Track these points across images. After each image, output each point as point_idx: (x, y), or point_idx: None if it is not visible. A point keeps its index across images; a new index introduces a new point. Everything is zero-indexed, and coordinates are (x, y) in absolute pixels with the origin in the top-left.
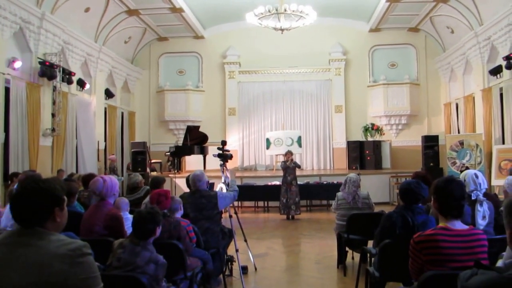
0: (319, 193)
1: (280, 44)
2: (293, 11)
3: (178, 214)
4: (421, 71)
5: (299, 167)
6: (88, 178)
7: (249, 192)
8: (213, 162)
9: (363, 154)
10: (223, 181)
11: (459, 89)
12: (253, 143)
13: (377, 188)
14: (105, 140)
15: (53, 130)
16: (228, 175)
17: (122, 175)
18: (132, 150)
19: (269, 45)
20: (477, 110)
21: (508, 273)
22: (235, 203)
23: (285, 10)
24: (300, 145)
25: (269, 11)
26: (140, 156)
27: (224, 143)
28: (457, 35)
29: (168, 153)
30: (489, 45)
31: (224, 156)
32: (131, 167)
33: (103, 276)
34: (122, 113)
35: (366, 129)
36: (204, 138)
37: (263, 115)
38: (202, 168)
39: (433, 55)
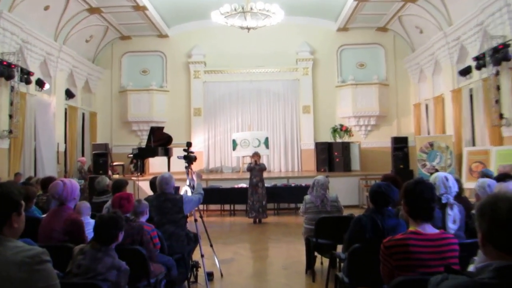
0: (286, 196)
1: (246, 44)
2: (260, 10)
3: (143, 218)
4: (390, 71)
5: (264, 169)
6: (47, 182)
7: (215, 195)
8: (178, 164)
9: (332, 155)
10: (188, 183)
11: (429, 90)
12: (219, 145)
13: (346, 191)
14: (65, 142)
15: (10, 132)
16: (194, 177)
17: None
18: (94, 152)
19: (235, 44)
20: (447, 111)
21: (479, 277)
22: (201, 207)
23: (251, 8)
24: (267, 147)
25: (235, 9)
26: (101, 159)
27: (189, 144)
28: (426, 35)
29: (131, 155)
30: (458, 45)
31: (189, 158)
32: (92, 169)
33: (62, 284)
34: (83, 114)
35: (334, 130)
36: (168, 139)
37: (230, 116)
38: (167, 170)
39: (402, 55)
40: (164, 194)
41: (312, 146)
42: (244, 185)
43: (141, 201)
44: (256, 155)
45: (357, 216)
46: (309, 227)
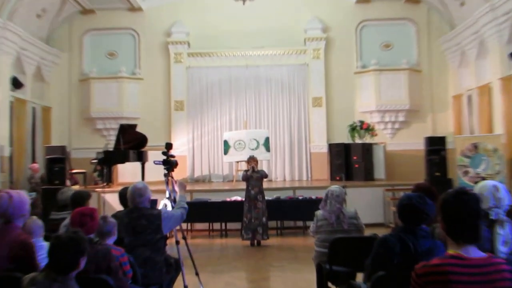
0: (293, 211)
1: (241, 19)
2: None
3: (111, 240)
4: (423, 54)
5: (265, 177)
6: None
7: (202, 211)
8: (155, 172)
9: (350, 160)
10: (167, 196)
11: (472, 78)
12: (207, 147)
13: (368, 205)
14: (11, 145)
15: None
16: (176, 188)
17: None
18: (47, 157)
19: (227, 19)
20: (495, 104)
21: None
22: (184, 225)
23: None
24: (268, 149)
25: None
26: (57, 165)
27: (169, 146)
28: (469, 8)
29: (95, 161)
30: (509, 21)
31: (169, 164)
32: (45, 179)
33: None
34: (34, 109)
35: (353, 129)
36: (142, 140)
37: (220, 111)
38: (140, 179)
39: (438, 33)
40: (138, 209)
41: (325, 149)
42: (238, 198)
43: (107, 219)
44: (253, 160)
45: (382, 237)
46: (322, 251)
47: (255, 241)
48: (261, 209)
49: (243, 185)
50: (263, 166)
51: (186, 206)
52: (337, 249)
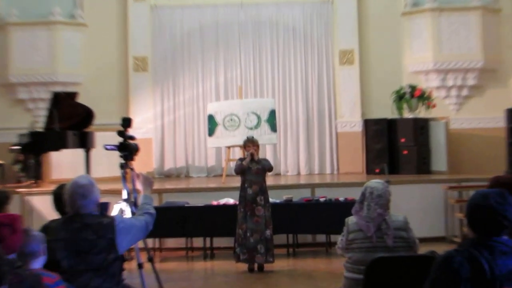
0: (311, 220)
1: None
2: None
3: (37, 263)
4: None
5: (270, 169)
6: None
7: (176, 221)
8: (106, 163)
9: (396, 144)
10: (125, 197)
11: None
12: (183, 126)
13: (422, 210)
14: None
15: None
16: (138, 186)
17: None
18: None
19: None
20: None
21: None
22: (149, 241)
23: None
24: (273, 128)
25: None
26: None
27: (127, 123)
28: None
29: (17, 148)
30: None
31: (128, 149)
32: None
33: None
34: None
35: (400, 97)
36: (86, 116)
37: (202, 71)
38: (84, 174)
39: None
40: (80, 217)
41: (358, 127)
42: (230, 200)
43: (29, 232)
44: (252, 144)
45: (444, 255)
46: (355, 277)
47: (255, 265)
48: (263, 217)
49: (235, 182)
50: (266, 153)
51: (153, 211)
52: (378, 275)
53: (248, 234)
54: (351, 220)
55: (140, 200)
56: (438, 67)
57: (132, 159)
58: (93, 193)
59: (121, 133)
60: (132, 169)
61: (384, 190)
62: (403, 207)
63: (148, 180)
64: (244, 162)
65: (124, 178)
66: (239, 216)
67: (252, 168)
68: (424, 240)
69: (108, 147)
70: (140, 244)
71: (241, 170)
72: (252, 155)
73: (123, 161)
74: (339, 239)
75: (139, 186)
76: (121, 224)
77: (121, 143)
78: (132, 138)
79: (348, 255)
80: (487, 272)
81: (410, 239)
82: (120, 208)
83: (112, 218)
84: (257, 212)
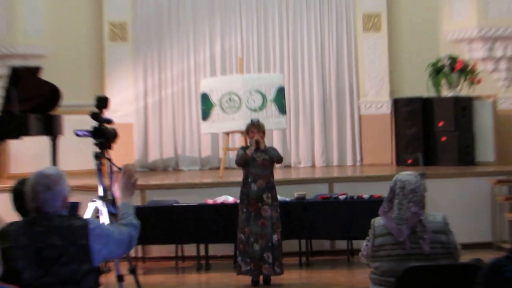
0: (329, 223)
1: None
2: None
3: None
4: None
5: (279, 160)
6: None
7: (163, 224)
8: (77, 154)
9: (432, 129)
10: (101, 194)
11: None
12: (171, 107)
13: (465, 210)
14: None
15: None
16: (116, 191)
17: None
18: None
19: None
20: None
21: None
22: (132, 250)
23: None
24: (282, 110)
25: None
26: None
27: (103, 103)
28: None
29: None
30: None
31: (104, 134)
32: None
33: None
34: None
35: (437, 71)
36: (52, 96)
37: (194, 41)
38: (51, 166)
39: None
40: (45, 218)
41: (387, 108)
42: (230, 199)
43: None
44: (256, 129)
45: (493, 262)
46: None
47: (261, 277)
48: (270, 218)
49: (237, 175)
50: (273, 141)
51: (136, 222)
52: (411, 287)
53: (252, 240)
54: (378, 221)
55: (120, 207)
56: (484, 34)
57: (109, 147)
58: (60, 186)
59: (95, 116)
60: (109, 160)
61: (418, 184)
62: (441, 206)
63: (129, 184)
64: (247, 151)
65: (99, 171)
66: (240, 218)
67: (257, 159)
68: (466, 246)
69: (79, 133)
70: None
71: (243, 161)
72: (257, 142)
73: (98, 150)
74: (363, 245)
75: (116, 191)
76: (97, 229)
77: (95, 128)
78: (109, 121)
79: (374, 265)
80: None
81: (451, 244)
82: (95, 207)
83: (86, 220)
84: (263, 213)
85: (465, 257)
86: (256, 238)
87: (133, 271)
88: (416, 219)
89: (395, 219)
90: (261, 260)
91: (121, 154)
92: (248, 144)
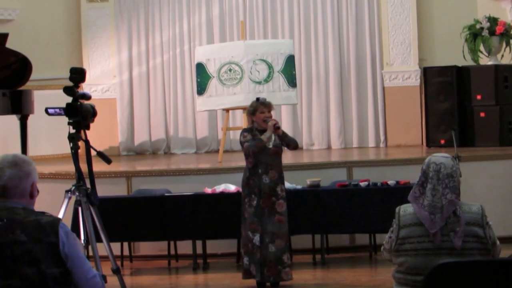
0: (347, 214)
1: None
2: None
3: None
4: None
5: (295, 146)
6: None
7: (152, 217)
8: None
9: (469, 103)
10: (77, 181)
11: None
12: (161, 80)
13: (506, 198)
14: None
15: None
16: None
17: None
18: None
19: None
20: None
21: None
22: (116, 246)
23: None
24: (291, 82)
25: None
26: None
27: (78, 75)
28: None
29: None
30: None
31: (82, 113)
32: None
33: None
34: None
35: (474, 35)
36: (21, 68)
37: (188, 1)
38: (20, 152)
39: None
40: (6, 210)
41: (415, 79)
42: (231, 187)
43: None
44: (267, 109)
45: None
46: None
47: (269, 279)
48: (278, 212)
49: (240, 160)
50: (282, 119)
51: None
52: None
53: (267, 240)
54: (403, 209)
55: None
56: None
57: (86, 127)
58: (28, 170)
59: (69, 90)
60: (86, 142)
61: (455, 168)
62: (478, 194)
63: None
64: (264, 137)
65: (75, 155)
66: (248, 212)
67: (269, 147)
68: (507, 240)
69: (50, 110)
70: (102, 250)
71: (260, 149)
72: (277, 127)
73: (73, 131)
74: (386, 237)
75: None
76: (71, 236)
77: (68, 105)
78: (85, 97)
79: (398, 260)
80: None
81: (488, 239)
82: (69, 197)
83: (57, 218)
84: (279, 208)
85: (506, 253)
86: (272, 238)
87: (116, 271)
88: (452, 208)
89: (428, 207)
90: (280, 263)
91: (102, 135)
92: (252, 126)
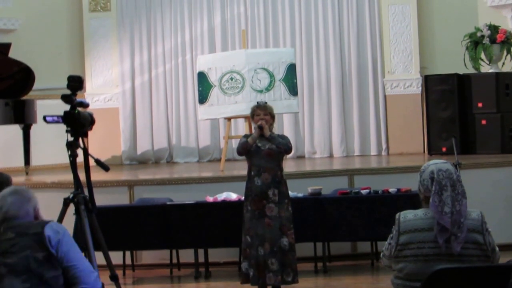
0: (349, 222)
1: None
2: None
3: None
4: None
5: (288, 150)
6: None
7: (154, 226)
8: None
9: (470, 111)
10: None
11: None
12: (163, 89)
13: (507, 206)
14: None
15: None
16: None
17: None
18: None
19: None
20: None
21: None
22: (116, 255)
23: None
24: (293, 91)
25: None
26: None
27: (76, 83)
28: None
29: None
30: None
31: (79, 121)
32: None
33: None
34: None
35: (475, 43)
36: (24, 78)
37: (189, 10)
38: (23, 164)
39: None
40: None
41: (416, 87)
42: (233, 196)
43: None
44: (262, 111)
45: None
46: None
47: (268, 287)
48: (277, 218)
49: (242, 169)
50: (283, 127)
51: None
52: None
53: (256, 243)
54: (404, 216)
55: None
56: None
57: (84, 134)
58: (28, 196)
59: (67, 98)
60: (85, 150)
61: (458, 174)
62: (479, 201)
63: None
64: (249, 139)
65: (73, 163)
66: (245, 217)
67: (262, 148)
68: (506, 248)
69: (48, 118)
70: (100, 258)
71: (244, 149)
72: (260, 128)
73: (71, 139)
74: (386, 243)
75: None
76: (64, 239)
77: (67, 113)
78: (83, 104)
79: (397, 267)
80: None
81: (488, 246)
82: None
83: (48, 220)
84: (268, 212)
85: (506, 259)
86: (260, 241)
87: (114, 278)
88: (465, 211)
89: (451, 214)
90: (266, 267)
91: (105, 144)
92: (253, 130)
